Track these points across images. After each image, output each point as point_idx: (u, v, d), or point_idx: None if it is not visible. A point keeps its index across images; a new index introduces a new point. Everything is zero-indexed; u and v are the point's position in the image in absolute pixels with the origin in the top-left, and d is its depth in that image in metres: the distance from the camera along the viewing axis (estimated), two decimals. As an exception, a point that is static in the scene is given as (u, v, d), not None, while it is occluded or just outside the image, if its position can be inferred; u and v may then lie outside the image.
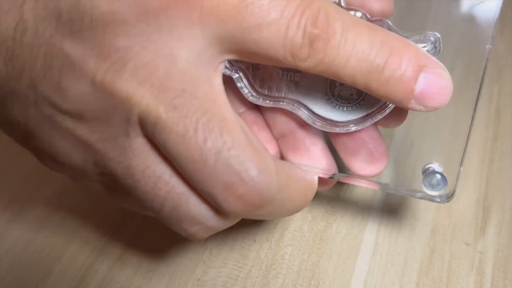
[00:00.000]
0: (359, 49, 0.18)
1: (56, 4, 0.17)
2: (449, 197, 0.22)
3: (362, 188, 0.31)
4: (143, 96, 0.17)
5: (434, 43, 0.21)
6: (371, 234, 0.29)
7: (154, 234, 0.29)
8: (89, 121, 0.18)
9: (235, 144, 0.18)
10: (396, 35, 0.19)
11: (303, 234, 0.29)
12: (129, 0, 0.17)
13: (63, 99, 0.18)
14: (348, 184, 0.31)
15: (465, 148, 0.22)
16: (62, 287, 0.27)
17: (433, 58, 0.19)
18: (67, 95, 0.18)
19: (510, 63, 0.38)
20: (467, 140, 0.22)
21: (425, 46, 0.21)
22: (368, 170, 0.23)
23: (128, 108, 0.18)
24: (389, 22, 0.21)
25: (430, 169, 0.23)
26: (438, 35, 0.21)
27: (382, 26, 0.21)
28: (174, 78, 0.18)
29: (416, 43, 0.21)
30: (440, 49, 0.21)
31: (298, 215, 0.29)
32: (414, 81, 0.19)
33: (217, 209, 0.20)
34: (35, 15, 0.17)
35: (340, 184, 0.31)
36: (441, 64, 0.19)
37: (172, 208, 0.19)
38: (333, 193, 0.31)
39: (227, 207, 0.19)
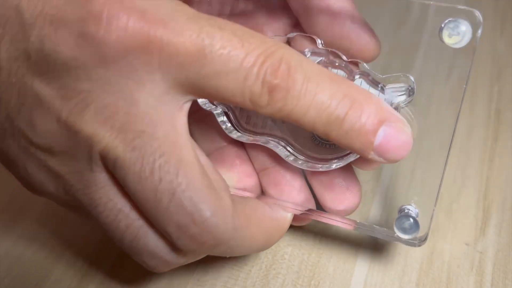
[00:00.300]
0: (318, 100, 0.18)
1: (26, 47, 0.18)
2: (422, 240, 0.23)
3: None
4: (104, 136, 0.18)
5: (408, 85, 0.22)
6: (371, 234, 0.29)
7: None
8: (58, 155, 0.19)
9: (189, 186, 0.19)
10: (360, 87, 0.20)
11: (303, 234, 0.29)
12: (89, 47, 0.17)
13: (34, 134, 0.19)
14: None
15: (439, 188, 0.22)
16: (63, 287, 0.27)
17: (395, 112, 0.20)
18: (37, 130, 0.19)
19: (510, 63, 0.38)
20: (441, 180, 0.22)
21: (402, 87, 0.22)
22: (341, 207, 0.24)
23: (90, 146, 0.18)
24: (366, 65, 0.22)
25: (404, 211, 0.23)
26: (412, 78, 0.22)
27: (357, 69, 0.22)
28: (134, 120, 0.18)
29: (392, 85, 0.22)
30: (414, 91, 0.22)
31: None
32: (373, 134, 0.19)
33: (173, 245, 0.20)
34: (9, 55, 0.18)
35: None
36: (403, 119, 0.20)
37: (131, 240, 0.20)
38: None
39: (181, 245, 0.20)
